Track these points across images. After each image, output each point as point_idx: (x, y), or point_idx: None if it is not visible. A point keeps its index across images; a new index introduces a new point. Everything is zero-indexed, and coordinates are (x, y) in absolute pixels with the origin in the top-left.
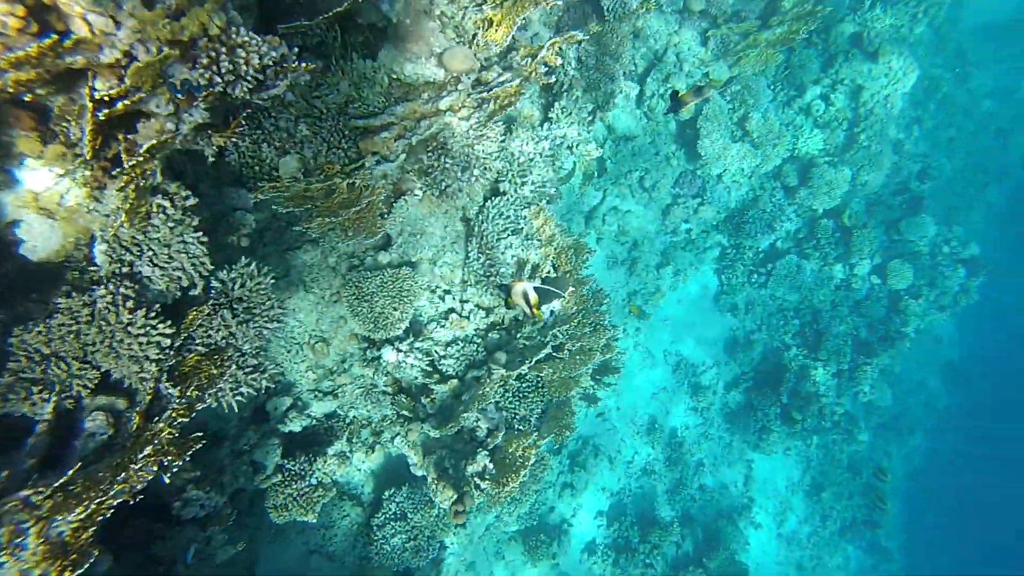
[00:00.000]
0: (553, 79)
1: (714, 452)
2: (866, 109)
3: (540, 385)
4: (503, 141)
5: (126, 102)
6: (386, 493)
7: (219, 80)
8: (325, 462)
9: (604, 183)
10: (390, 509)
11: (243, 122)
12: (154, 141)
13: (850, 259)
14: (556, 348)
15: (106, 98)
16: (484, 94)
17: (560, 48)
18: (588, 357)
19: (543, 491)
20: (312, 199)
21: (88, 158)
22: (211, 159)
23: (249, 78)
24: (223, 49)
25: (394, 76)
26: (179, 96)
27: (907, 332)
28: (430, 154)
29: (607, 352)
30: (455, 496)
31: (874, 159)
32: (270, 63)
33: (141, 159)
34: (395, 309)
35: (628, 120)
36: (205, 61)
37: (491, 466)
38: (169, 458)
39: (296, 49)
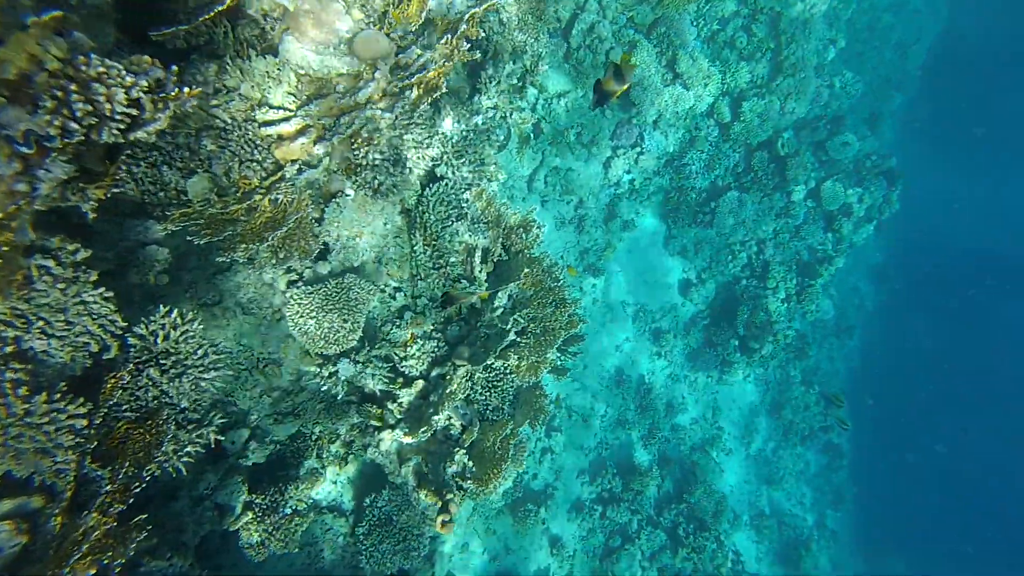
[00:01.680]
0: (478, 55)
1: (681, 392)
2: (786, 37)
3: (508, 372)
4: (433, 125)
5: None
6: (367, 500)
7: (76, 127)
8: (297, 487)
9: (542, 145)
10: (373, 515)
11: (123, 165)
12: None
13: (787, 187)
14: (519, 333)
15: None
16: (405, 81)
17: (480, 18)
18: (553, 337)
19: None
20: (232, 222)
21: None
22: (91, 214)
23: (117, 117)
24: (71, 86)
25: (302, 71)
26: (24, 151)
27: (842, 248)
28: (356, 152)
29: (571, 328)
30: (439, 503)
31: (799, 85)
32: (142, 93)
33: None
34: (345, 321)
35: (558, 78)
36: (50, 105)
37: (471, 464)
38: (109, 555)
39: (175, 68)
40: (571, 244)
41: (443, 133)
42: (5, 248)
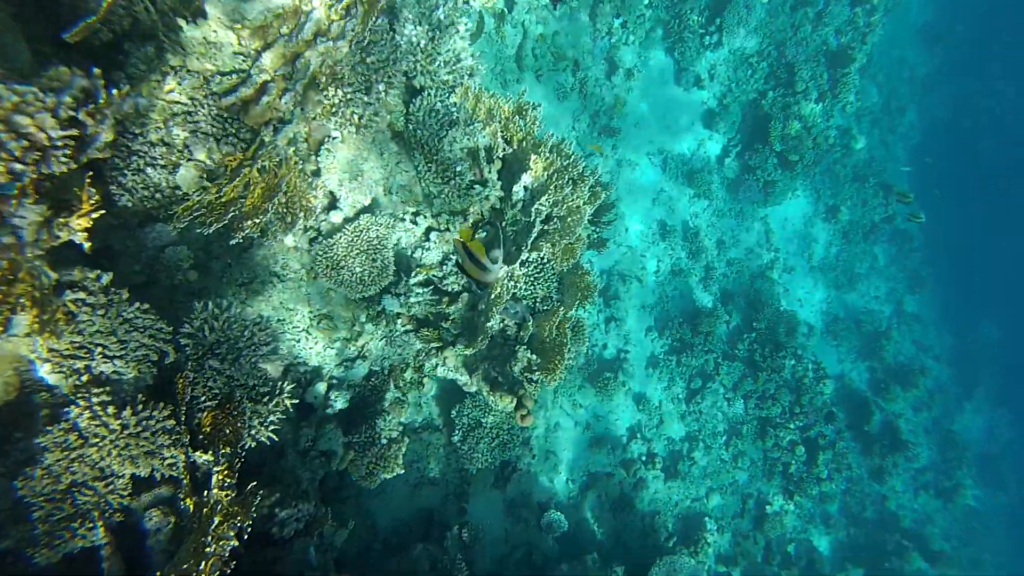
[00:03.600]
0: None
1: (729, 225)
2: None
3: (546, 260)
4: (393, 37)
5: None
6: (453, 412)
7: (21, 167)
8: (386, 419)
9: (519, 15)
10: (463, 423)
11: (104, 185)
12: None
13: None
14: (545, 220)
15: None
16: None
17: None
18: (579, 216)
19: (591, 333)
20: (231, 203)
21: None
22: (85, 244)
23: (59, 143)
24: None
25: (239, 26)
26: None
27: (875, 20)
28: (325, 92)
29: (595, 200)
30: (514, 400)
31: None
32: (71, 111)
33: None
34: (374, 261)
35: None
36: None
37: (534, 357)
38: (238, 519)
39: (96, 71)
40: (578, 111)
41: (408, 41)
42: (34, 295)
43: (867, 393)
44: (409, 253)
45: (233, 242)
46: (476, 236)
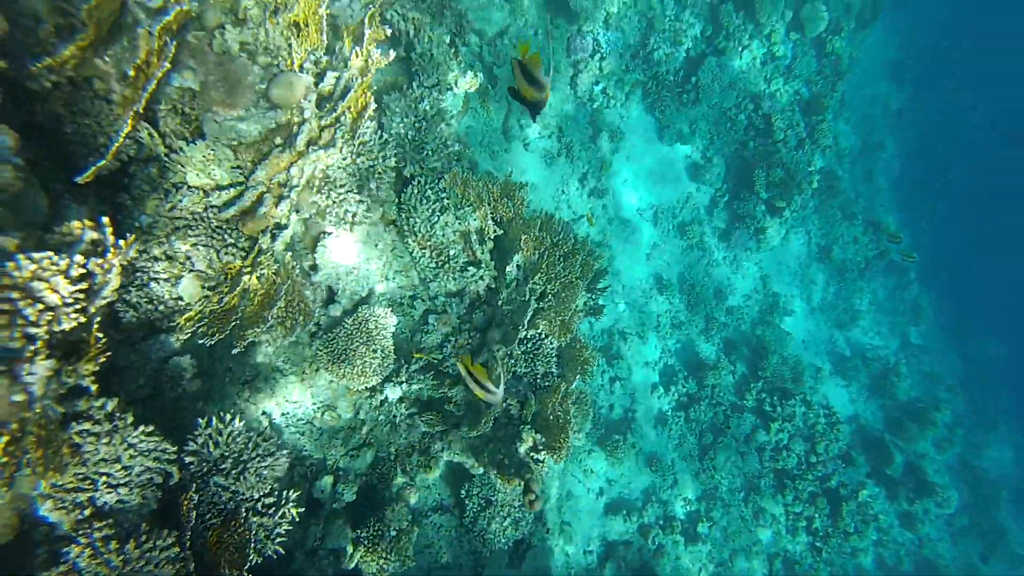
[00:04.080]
0: (392, 54)
1: (725, 274)
2: None
3: (544, 336)
4: (382, 138)
5: None
6: (462, 491)
7: (36, 330)
8: (394, 509)
9: (502, 91)
10: (473, 503)
11: (101, 336)
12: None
13: (763, 31)
14: (540, 298)
15: None
16: (334, 113)
17: (381, 15)
18: (573, 291)
19: (596, 395)
20: (231, 311)
21: None
22: (93, 386)
23: (70, 299)
24: (13, 295)
25: (235, 143)
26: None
27: (843, 68)
28: (320, 194)
29: (587, 271)
30: (521, 484)
31: None
32: (82, 267)
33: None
34: (375, 352)
35: (493, 15)
36: (1, 321)
37: (539, 436)
38: None
39: (105, 219)
40: (566, 174)
41: (397, 134)
42: (40, 434)
43: (883, 433)
44: (409, 337)
45: (236, 351)
46: (472, 317)
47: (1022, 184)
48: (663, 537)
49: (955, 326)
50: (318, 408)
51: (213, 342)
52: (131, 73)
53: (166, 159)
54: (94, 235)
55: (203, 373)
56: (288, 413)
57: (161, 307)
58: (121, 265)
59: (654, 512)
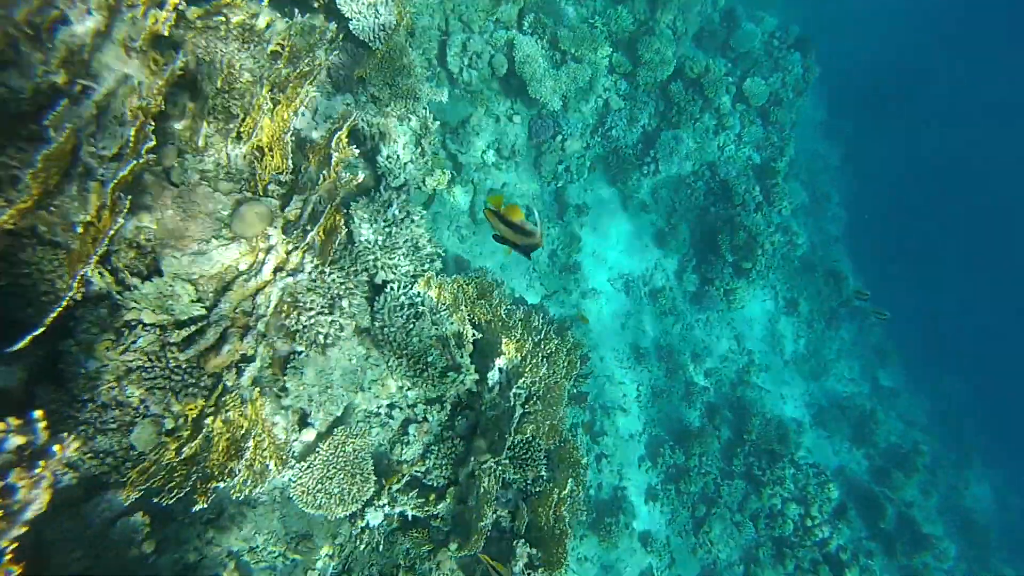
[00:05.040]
0: (361, 176)
1: (699, 337)
2: None
3: (532, 439)
4: (352, 253)
5: None
6: None
7: None
8: None
9: (467, 175)
10: None
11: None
12: None
13: (713, 104)
14: (525, 402)
15: None
16: (302, 240)
17: (348, 134)
18: (560, 392)
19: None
20: (191, 461)
21: None
22: None
23: None
24: None
25: (196, 276)
26: None
27: (787, 135)
28: (289, 319)
29: (572, 369)
30: None
31: (683, 5)
32: (20, 481)
33: None
34: (353, 477)
35: (456, 109)
36: None
37: (535, 551)
38: None
39: (37, 413)
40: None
41: (366, 243)
42: None
43: (871, 484)
44: (387, 450)
45: (196, 509)
46: (455, 424)
47: (962, 217)
48: None
49: (919, 365)
50: (292, 539)
51: (171, 500)
52: (79, 230)
53: (119, 297)
54: (19, 440)
55: (158, 515)
56: (258, 548)
57: (109, 460)
58: (52, 483)
59: None
